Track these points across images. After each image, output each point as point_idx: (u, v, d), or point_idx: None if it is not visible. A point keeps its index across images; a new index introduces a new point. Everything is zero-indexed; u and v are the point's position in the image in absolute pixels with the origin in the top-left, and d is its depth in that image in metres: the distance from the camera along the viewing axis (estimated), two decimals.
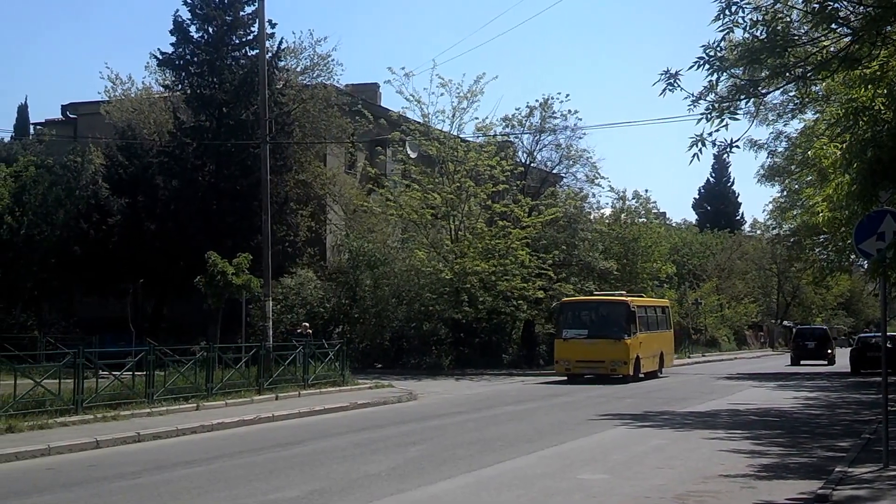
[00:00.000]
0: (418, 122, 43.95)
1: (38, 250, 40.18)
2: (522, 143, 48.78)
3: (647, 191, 67.87)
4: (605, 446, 17.13)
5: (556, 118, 46.85)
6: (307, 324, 34.95)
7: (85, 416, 18.90)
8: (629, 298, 35.64)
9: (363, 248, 41.93)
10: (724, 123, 13.39)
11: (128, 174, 40.60)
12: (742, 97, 14.38)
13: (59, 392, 19.27)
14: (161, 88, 44.76)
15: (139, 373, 22.02)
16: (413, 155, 44.51)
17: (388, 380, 31.45)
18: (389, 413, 23.42)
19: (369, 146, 47.41)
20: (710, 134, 13.38)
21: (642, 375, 35.58)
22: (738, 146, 13.79)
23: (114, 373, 21.25)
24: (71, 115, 51.80)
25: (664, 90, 13.44)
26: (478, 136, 45.33)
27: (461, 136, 44.39)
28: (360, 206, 44.35)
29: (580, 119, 64.70)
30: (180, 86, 41.76)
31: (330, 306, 41.57)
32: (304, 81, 44.43)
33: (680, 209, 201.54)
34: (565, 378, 35.20)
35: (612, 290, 42.41)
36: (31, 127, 57.60)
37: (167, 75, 42.93)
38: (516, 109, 60.62)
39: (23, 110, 59.86)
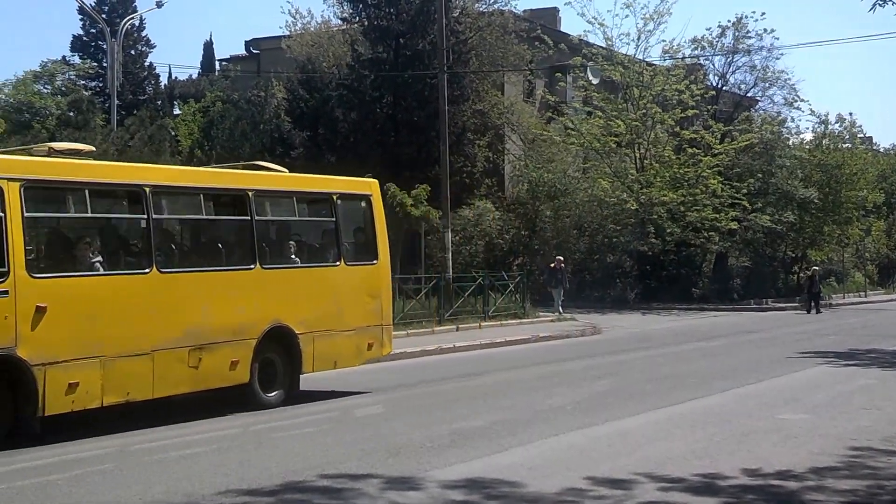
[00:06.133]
0: (601, 46, 43.01)
1: None
2: (713, 65, 47.05)
3: (851, 114, 63.64)
4: (806, 385, 16.45)
5: (750, 38, 44.91)
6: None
7: None
8: None
9: (543, 178, 41.61)
10: None
11: (308, 107, 41.53)
12: None
13: None
14: (339, 21, 45.41)
15: None
16: (595, 81, 43.66)
17: (569, 313, 31.40)
18: (572, 346, 23.35)
19: (548, 73, 46.76)
20: None
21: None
22: None
23: None
24: (254, 51, 53.30)
25: (874, 5, 12.60)
26: (665, 60, 44.02)
27: (647, 59, 43.21)
28: (539, 135, 43.93)
29: (777, 38, 62.07)
30: (358, 18, 42.19)
31: (509, 238, 41.60)
32: (481, 8, 44.10)
33: (889, 134, 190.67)
34: (761, 314, 34.06)
35: (814, 220, 40.37)
36: (217, 63, 59.75)
37: (345, 8, 43.47)
38: (707, 30, 58.46)
39: (208, 47, 62.21)
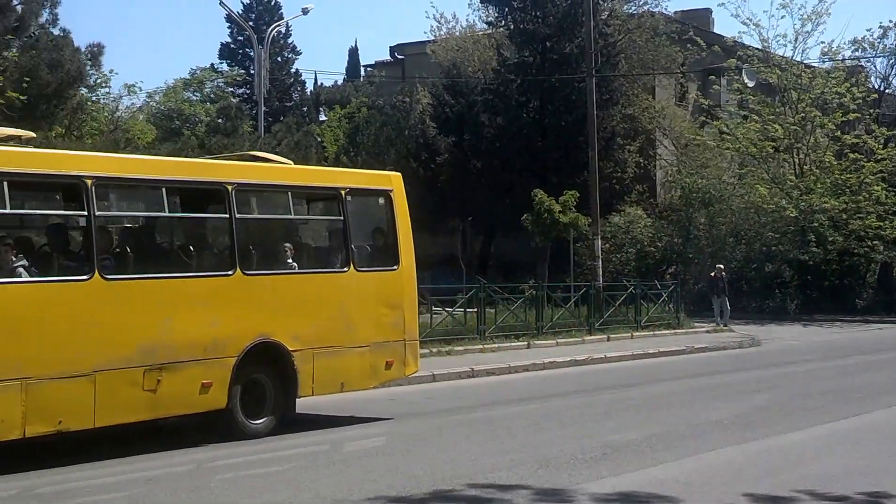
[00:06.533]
0: (756, 48, 41.91)
1: None
2: (875, 67, 45.26)
3: None
4: None
5: None
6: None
7: (421, 350, 19.76)
8: None
9: (696, 184, 40.77)
10: None
11: (453, 113, 41.79)
12: None
13: None
14: (484, 25, 45.60)
15: (470, 310, 22.79)
16: (751, 84, 42.44)
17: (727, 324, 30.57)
18: (729, 359, 22.77)
19: (701, 76, 45.72)
20: None
21: None
22: None
23: (447, 309, 22.12)
24: (399, 56, 54.01)
25: None
26: (824, 61, 42.60)
27: (805, 61, 41.92)
28: (692, 139, 43.13)
29: None
30: (503, 22, 42.32)
31: (661, 245, 40.92)
32: (630, 10, 43.62)
33: None
34: None
35: None
36: (362, 69, 60.87)
37: (490, 12, 43.63)
38: (867, 30, 56.38)
39: (354, 53, 63.47)
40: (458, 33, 47.78)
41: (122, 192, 12.01)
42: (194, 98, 48.37)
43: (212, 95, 48.25)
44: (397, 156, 42.60)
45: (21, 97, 19.97)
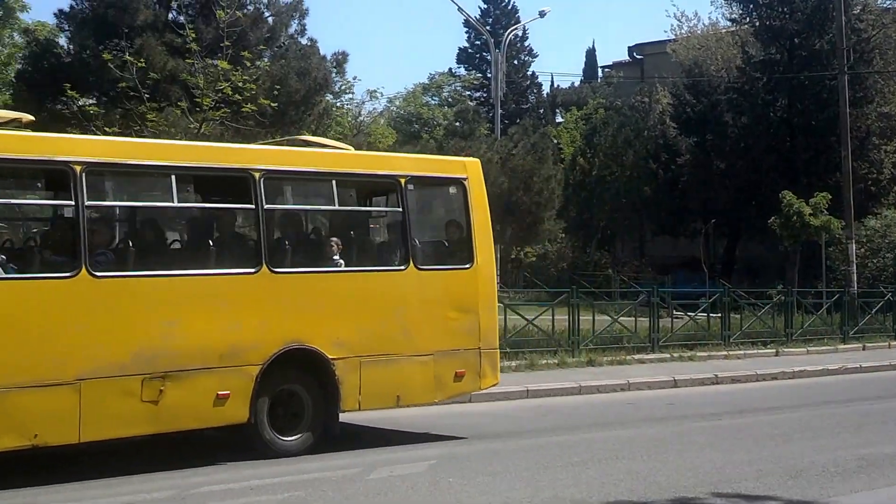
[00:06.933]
0: None
1: (609, 190, 42.32)
2: None
3: None
4: None
5: None
6: None
7: (661, 355, 19.73)
8: None
9: None
10: None
11: (695, 112, 41.12)
12: None
13: (634, 329, 20.23)
14: (728, 23, 44.58)
15: (713, 314, 22.31)
16: None
17: None
18: None
19: None
20: None
21: None
22: None
23: (688, 313, 21.74)
24: (637, 56, 53.52)
25: None
26: None
27: None
28: None
29: None
30: (748, 18, 41.35)
31: None
32: (885, 4, 41.53)
33: None
34: None
35: None
36: (599, 70, 60.69)
37: (734, 9, 42.66)
38: None
39: (591, 54, 63.43)
40: (699, 31, 47.08)
41: (120, 180, 10.83)
42: (433, 102, 49.67)
43: (449, 99, 49.43)
44: (635, 157, 42.30)
45: (272, 104, 21.07)
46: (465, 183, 12.22)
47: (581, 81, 59.09)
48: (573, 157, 43.62)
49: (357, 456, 11.03)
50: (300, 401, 10.99)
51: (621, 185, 42.30)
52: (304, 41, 27.08)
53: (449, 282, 12.11)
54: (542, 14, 42.47)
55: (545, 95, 58.91)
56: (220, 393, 10.30)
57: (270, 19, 26.18)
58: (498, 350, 12.74)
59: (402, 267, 11.71)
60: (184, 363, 10.09)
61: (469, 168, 12.44)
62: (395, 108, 48.34)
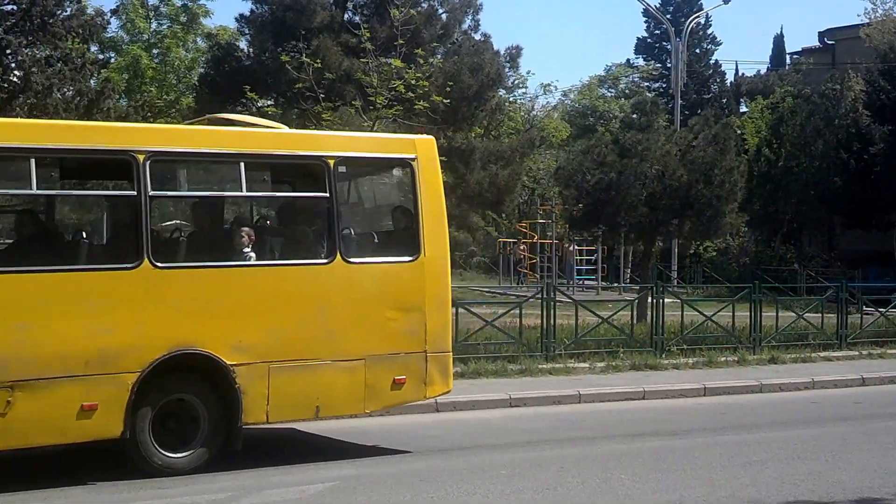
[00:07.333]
0: None
1: (796, 182, 41.04)
2: None
3: None
4: None
5: None
6: None
7: (849, 353, 19.04)
8: None
9: None
10: None
11: (890, 99, 39.39)
12: None
13: (821, 326, 19.59)
14: None
15: None
16: None
17: None
18: None
19: None
20: None
21: None
22: None
23: (879, 309, 20.87)
24: (828, 42, 51.69)
25: None
26: None
27: None
28: None
29: None
30: None
31: None
32: None
33: None
34: None
35: None
36: (787, 57, 58.91)
37: None
38: None
39: (778, 40, 61.59)
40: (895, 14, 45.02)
41: None
42: (609, 94, 49.24)
43: (626, 91, 48.92)
44: (825, 147, 40.90)
45: (444, 101, 21.34)
46: (414, 164, 10.79)
47: (767, 69, 57.52)
48: (758, 147, 42.54)
49: (238, 478, 9.59)
50: (194, 413, 9.72)
51: (809, 177, 40.96)
52: (477, 37, 27.34)
53: (388, 277, 10.70)
54: (725, 1, 41.57)
55: (728, 84, 57.61)
56: (85, 404, 9.10)
57: (444, 16, 26.53)
58: (450, 353, 11.11)
59: (327, 260, 10.31)
60: (38, 371, 8.90)
61: (420, 147, 10.95)
62: (569, 102, 48.22)
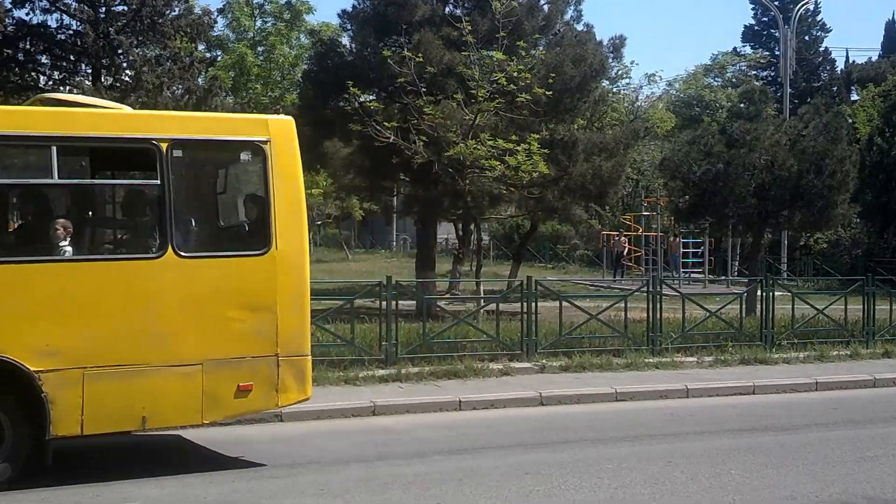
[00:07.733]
0: None
1: None
2: None
3: None
4: None
5: None
6: None
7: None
8: None
9: None
10: None
11: None
12: None
13: None
14: None
15: None
16: None
17: None
18: None
19: None
20: None
21: None
22: None
23: None
24: None
25: None
26: None
27: None
28: None
29: None
30: None
31: None
32: None
33: None
34: None
35: None
36: None
37: None
38: None
39: (890, 26, 59.89)
40: None
41: None
42: (715, 83, 48.50)
43: (733, 80, 48.14)
44: None
45: (546, 92, 21.28)
46: (266, 148, 9.78)
47: (879, 56, 56.01)
48: (870, 136, 41.43)
49: (49, 498, 8.66)
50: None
51: None
52: (579, 27, 27.10)
53: (232, 273, 9.69)
54: None
55: (839, 72, 56.29)
56: None
57: (546, 7, 26.36)
58: (309, 357, 10.02)
59: (157, 255, 9.36)
60: None
61: (274, 129, 9.92)
62: (674, 92, 47.60)
